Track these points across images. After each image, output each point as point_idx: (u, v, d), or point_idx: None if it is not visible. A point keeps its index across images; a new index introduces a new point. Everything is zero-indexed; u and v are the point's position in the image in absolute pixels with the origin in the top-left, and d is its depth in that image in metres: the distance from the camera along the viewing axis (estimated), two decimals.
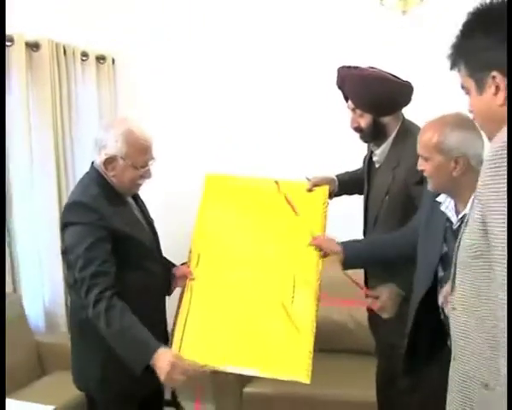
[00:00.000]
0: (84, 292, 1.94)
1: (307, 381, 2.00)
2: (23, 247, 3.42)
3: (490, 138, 1.33)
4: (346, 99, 2.35)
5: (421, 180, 2.08)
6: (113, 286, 1.94)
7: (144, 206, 2.31)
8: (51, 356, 3.21)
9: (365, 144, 2.48)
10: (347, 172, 2.58)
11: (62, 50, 3.60)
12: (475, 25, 1.34)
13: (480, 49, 1.31)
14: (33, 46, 3.44)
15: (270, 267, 2.24)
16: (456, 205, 1.89)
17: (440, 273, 1.92)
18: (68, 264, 2.07)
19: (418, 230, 2.06)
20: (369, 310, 2.48)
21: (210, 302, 2.18)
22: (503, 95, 1.28)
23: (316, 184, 2.41)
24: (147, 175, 2.12)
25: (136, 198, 2.27)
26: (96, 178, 2.09)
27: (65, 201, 2.39)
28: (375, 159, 2.38)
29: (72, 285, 2.07)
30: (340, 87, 2.36)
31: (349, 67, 2.32)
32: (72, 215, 2.02)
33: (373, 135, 2.30)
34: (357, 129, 2.32)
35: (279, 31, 3.72)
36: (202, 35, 3.91)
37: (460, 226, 1.75)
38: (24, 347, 3.16)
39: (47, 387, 2.95)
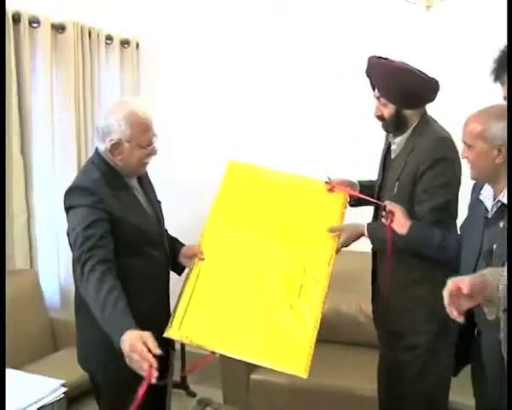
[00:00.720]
0: (81, 266, 1.93)
1: (305, 376, 2.00)
2: (41, 224, 3.49)
3: None
4: (374, 87, 2.36)
5: (430, 166, 2.14)
6: (109, 261, 1.94)
7: (151, 188, 2.31)
8: (64, 332, 3.26)
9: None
10: (371, 181, 2.58)
11: (87, 33, 3.67)
12: None
13: None
14: (59, 28, 3.51)
15: (281, 259, 2.24)
16: (494, 194, 1.96)
17: (482, 267, 1.91)
18: (70, 245, 2.07)
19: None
20: (374, 300, 2.50)
21: (216, 285, 2.18)
22: None
23: (338, 184, 2.42)
24: (153, 152, 2.13)
25: (142, 181, 2.26)
26: (98, 164, 2.10)
27: None
28: (392, 148, 2.38)
29: (74, 265, 2.06)
30: (368, 75, 2.37)
31: (379, 57, 2.34)
32: (73, 199, 2.04)
33: (395, 126, 2.31)
34: (380, 118, 2.33)
35: (297, 26, 3.74)
36: (223, 23, 3.95)
37: (496, 213, 1.89)
38: (38, 322, 3.22)
39: (58, 362, 3.01)
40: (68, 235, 2.07)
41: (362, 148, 2.67)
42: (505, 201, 1.85)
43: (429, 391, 2.30)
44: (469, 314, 1.99)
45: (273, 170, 2.48)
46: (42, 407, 2.33)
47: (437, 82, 2.28)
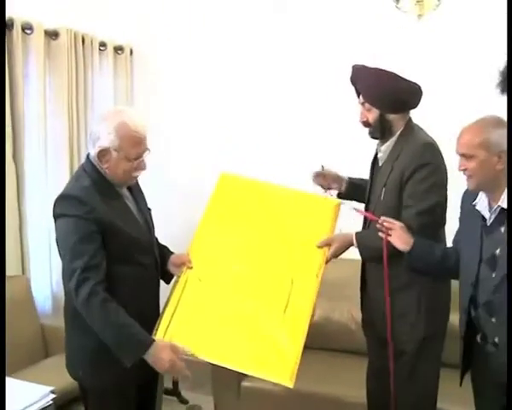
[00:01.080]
0: (75, 285, 1.94)
1: (290, 385, 2.01)
2: (34, 231, 3.49)
3: None
4: (358, 95, 2.38)
5: (415, 170, 2.18)
6: (104, 281, 1.96)
7: (141, 196, 2.30)
8: (55, 339, 3.25)
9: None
10: (362, 179, 2.60)
11: (81, 40, 3.68)
12: None
13: None
14: (52, 35, 3.52)
15: (269, 270, 2.26)
16: (489, 203, 2.02)
17: (485, 273, 1.99)
18: (59, 253, 2.07)
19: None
20: (363, 308, 2.52)
21: (203, 294, 2.19)
22: None
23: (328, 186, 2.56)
24: (141, 167, 2.11)
25: (132, 189, 2.25)
26: (89, 171, 2.09)
27: None
28: (379, 156, 2.41)
29: (65, 277, 2.07)
30: (353, 83, 2.40)
31: (364, 66, 2.37)
32: (62, 208, 2.03)
33: (380, 131, 2.34)
34: (365, 123, 2.36)
35: (295, 31, 3.76)
36: (219, 28, 3.96)
37: (495, 220, 1.95)
38: (29, 328, 3.22)
39: (49, 368, 3.01)
40: (57, 243, 2.07)
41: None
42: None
43: (417, 398, 2.31)
44: (470, 321, 2.04)
45: (264, 182, 2.51)
46: None
47: (419, 87, 2.32)
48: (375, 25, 3.52)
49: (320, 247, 2.31)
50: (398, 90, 2.29)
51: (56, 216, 2.05)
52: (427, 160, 2.21)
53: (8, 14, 3.19)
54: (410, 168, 2.22)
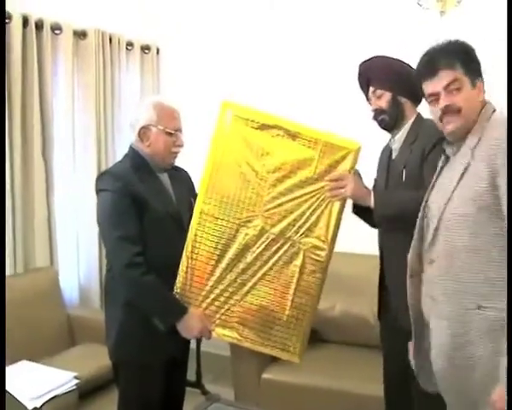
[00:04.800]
0: (114, 255, 2.13)
1: (297, 361, 2.08)
2: (62, 224, 3.61)
3: None
4: (367, 89, 2.40)
5: (436, 144, 2.11)
6: (141, 252, 2.09)
7: (186, 183, 2.43)
8: (81, 329, 3.37)
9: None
10: None
11: (108, 39, 3.78)
12: None
13: None
14: (80, 35, 3.63)
15: (281, 232, 2.22)
16: None
17: None
18: (99, 229, 2.23)
19: None
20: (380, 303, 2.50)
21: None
22: None
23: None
24: (179, 143, 2.27)
25: (172, 176, 2.34)
26: (131, 154, 2.27)
27: None
28: (393, 147, 2.39)
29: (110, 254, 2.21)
30: (362, 76, 2.42)
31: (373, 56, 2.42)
32: (101, 183, 2.20)
33: (393, 115, 2.31)
34: (378, 111, 2.33)
35: (316, 30, 3.79)
36: (244, 26, 4.00)
37: None
38: (56, 318, 3.32)
39: (74, 357, 3.09)
40: (97, 217, 2.20)
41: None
42: None
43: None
44: None
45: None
46: (54, 397, 2.44)
47: None
48: (397, 22, 3.52)
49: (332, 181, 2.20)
50: (407, 71, 2.29)
51: (97, 191, 2.22)
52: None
53: (38, 15, 3.33)
54: (431, 143, 2.17)
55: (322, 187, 2.19)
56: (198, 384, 3.88)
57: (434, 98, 1.83)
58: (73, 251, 3.69)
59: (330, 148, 2.19)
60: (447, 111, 1.79)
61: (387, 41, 3.48)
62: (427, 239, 1.88)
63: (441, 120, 1.82)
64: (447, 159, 1.93)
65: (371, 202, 2.21)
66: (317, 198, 2.19)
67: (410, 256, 1.97)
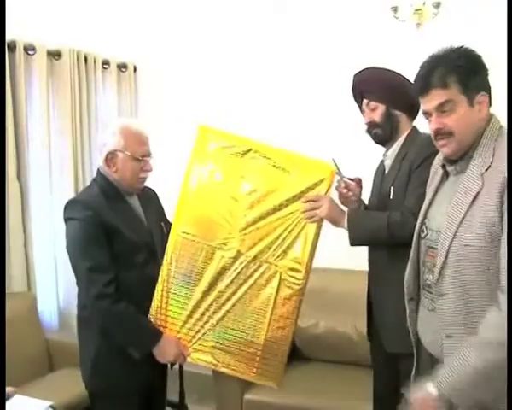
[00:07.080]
0: (84, 286, 2.10)
1: (275, 387, 2.05)
2: (39, 248, 3.54)
3: None
4: (361, 101, 2.37)
5: (424, 159, 2.10)
6: (113, 280, 2.06)
7: (155, 204, 2.41)
8: (60, 353, 3.31)
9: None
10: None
11: (83, 59, 3.74)
12: None
13: None
14: (55, 55, 3.59)
15: (258, 254, 2.19)
16: None
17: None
18: (69, 257, 2.17)
19: None
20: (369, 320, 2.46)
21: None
22: None
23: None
24: (147, 168, 2.22)
25: (141, 198, 2.31)
26: (99, 180, 2.22)
27: None
28: (385, 163, 2.36)
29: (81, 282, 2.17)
30: (355, 89, 2.39)
31: (367, 68, 2.39)
32: (70, 211, 2.16)
33: (387, 128, 2.28)
34: (371, 124, 2.30)
35: (291, 42, 3.78)
36: (222, 45, 3.98)
37: None
38: (34, 344, 3.26)
39: (52, 383, 3.05)
40: (66, 246, 2.16)
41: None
42: None
43: None
44: None
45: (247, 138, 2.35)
46: None
47: None
48: (374, 34, 3.52)
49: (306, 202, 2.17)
50: (403, 85, 2.27)
51: (65, 219, 2.18)
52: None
53: (11, 36, 3.27)
54: (419, 158, 2.14)
55: (298, 209, 2.17)
56: (182, 405, 3.81)
57: (428, 116, 1.71)
58: (52, 275, 3.63)
59: (305, 171, 2.18)
60: (438, 133, 1.69)
61: (364, 54, 3.47)
62: (429, 267, 1.77)
63: (435, 139, 1.72)
64: (447, 175, 1.82)
65: (345, 224, 2.19)
66: (293, 220, 2.17)
67: (406, 280, 1.87)
